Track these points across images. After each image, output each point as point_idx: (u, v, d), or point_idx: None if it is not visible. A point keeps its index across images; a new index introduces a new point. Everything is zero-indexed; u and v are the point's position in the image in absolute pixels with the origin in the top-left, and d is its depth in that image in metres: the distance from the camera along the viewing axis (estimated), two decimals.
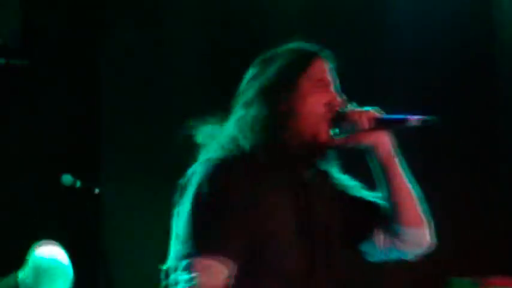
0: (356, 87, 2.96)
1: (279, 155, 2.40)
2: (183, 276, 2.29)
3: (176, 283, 2.31)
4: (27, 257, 4.33)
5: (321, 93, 2.45)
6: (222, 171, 2.34)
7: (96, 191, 4.63)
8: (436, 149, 5.52)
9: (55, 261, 4.31)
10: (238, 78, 2.58)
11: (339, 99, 2.46)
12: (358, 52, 5.29)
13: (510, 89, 5.51)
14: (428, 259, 2.97)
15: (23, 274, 4.32)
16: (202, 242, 2.29)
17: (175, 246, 2.36)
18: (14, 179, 4.88)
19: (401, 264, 3.20)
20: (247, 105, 2.46)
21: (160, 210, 4.79)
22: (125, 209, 5.32)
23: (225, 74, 5.11)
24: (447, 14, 5.49)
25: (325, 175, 2.55)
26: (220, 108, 2.53)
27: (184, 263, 2.31)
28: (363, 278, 4.86)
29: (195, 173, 2.35)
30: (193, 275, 2.28)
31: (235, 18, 5.41)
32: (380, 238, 2.52)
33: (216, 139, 2.47)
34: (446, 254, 4.64)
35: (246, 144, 2.41)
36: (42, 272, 4.30)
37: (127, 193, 5.26)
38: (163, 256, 3.87)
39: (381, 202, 2.53)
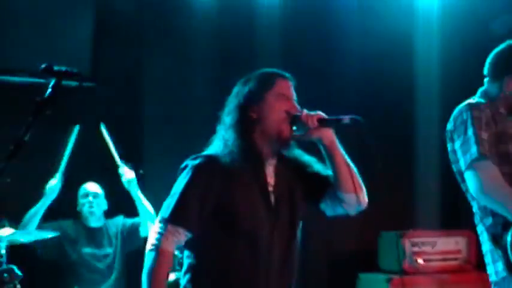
0: (312, 94, 3.27)
1: (250, 149, 2.80)
2: (152, 235, 2.72)
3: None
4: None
5: (283, 103, 2.83)
6: (205, 164, 2.77)
7: (141, 172, 5.27)
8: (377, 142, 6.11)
9: (91, 190, 5.11)
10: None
11: (295, 107, 2.86)
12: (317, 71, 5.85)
13: (424, 102, 6.21)
14: (365, 217, 3.67)
15: (77, 209, 5.12)
16: (172, 211, 2.71)
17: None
18: (89, 165, 5.44)
19: (346, 221, 3.80)
20: (229, 113, 2.87)
21: None
22: (162, 185, 5.85)
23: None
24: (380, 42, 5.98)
25: (289, 160, 2.93)
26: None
27: (158, 223, 2.73)
28: (318, 230, 5.46)
29: (190, 163, 2.79)
30: (157, 236, 2.69)
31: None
32: (329, 201, 2.93)
33: (215, 139, 2.90)
34: (378, 214, 5.55)
35: (227, 143, 2.81)
36: (84, 198, 5.11)
37: (163, 173, 5.33)
38: None
39: (330, 175, 2.92)
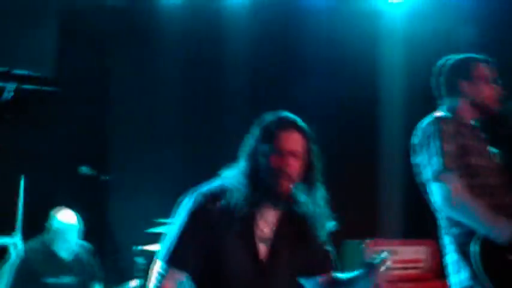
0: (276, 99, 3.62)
1: (251, 197, 2.80)
2: (154, 274, 2.84)
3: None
4: (48, 221, 5.01)
5: (279, 159, 2.78)
6: (203, 207, 2.83)
7: (106, 178, 5.35)
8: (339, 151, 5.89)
9: (68, 224, 4.99)
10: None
11: (289, 163, 2.80)
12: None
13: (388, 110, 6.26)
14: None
15: (47, 234, 5.01)
16: (169, 252, 2.83)
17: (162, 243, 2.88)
18: (50, 170, 5.55)
19: None
20: (241, 156, 2.86)
21: (150, 194, 5.44)
22: (124, 191, 5.95)
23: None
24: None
25: (290, 217, 2.90)
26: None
27: (158, 262, 2.85)
28: None
29: (190, 202, 2.87)
30: (158, 276, 2.83)
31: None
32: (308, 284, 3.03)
33: (228, 168, 2.93)
34: (342, 224, 5.94)
35: (233, 188, 2.81)
36: (59, 232, 5.00)
37: (127, 180, 5.93)
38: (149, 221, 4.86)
39: (331, 256, 3.02)
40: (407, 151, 3.67)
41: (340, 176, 5.93)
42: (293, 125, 2.88)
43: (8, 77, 2.85)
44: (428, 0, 6.33)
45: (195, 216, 2.82)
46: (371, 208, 6.55)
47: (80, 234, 5.10)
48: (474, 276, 3.47)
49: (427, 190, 3.59)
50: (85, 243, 5.15)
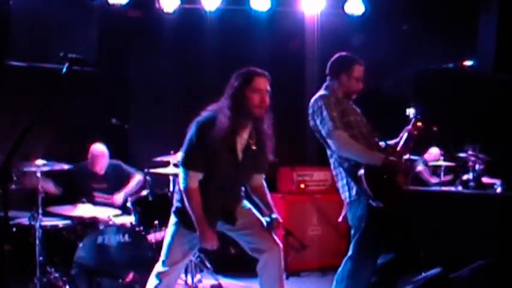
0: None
1: (235, 123, 3.44)
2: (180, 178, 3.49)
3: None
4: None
5: (256, 96, 3.48)
6: (201, 128, 3.45)
7: (126, 126, 6.30)
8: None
9: (101, 150, 6.01)
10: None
11: (266, 98, 3.45)
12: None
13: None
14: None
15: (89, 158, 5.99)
16: (188, 160, 3.49)
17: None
18: (91, 120, 6.63)
19: None
20: (226, 97, 3.52)
21: (162, 140, 6.75)
22: (143, 139, 6.91)
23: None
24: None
25: (256, 137, 3.58)
26: None
27: (180, 170, 3.53)
28: None
29: (193, 126, 3.49)
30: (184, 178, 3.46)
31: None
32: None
33: (211, 111, 3.49)
34: (279, 155, 5.13)
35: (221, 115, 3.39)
36: (94, 156, 6.02)
37: (140, 127, 6.88)
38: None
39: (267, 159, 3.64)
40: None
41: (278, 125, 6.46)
42: (262, 73, 3.55)
43: (65, 58, 3.23)
44: (337, 17, 7.52)
45: (197, 136, 3.48)
46: (299, 146, 7.79)
47: (108, 158, 6.05)
48: (359, 191, 4.03)
49: (325, 142, 4.12)
50: (113, 161, 6.13)
